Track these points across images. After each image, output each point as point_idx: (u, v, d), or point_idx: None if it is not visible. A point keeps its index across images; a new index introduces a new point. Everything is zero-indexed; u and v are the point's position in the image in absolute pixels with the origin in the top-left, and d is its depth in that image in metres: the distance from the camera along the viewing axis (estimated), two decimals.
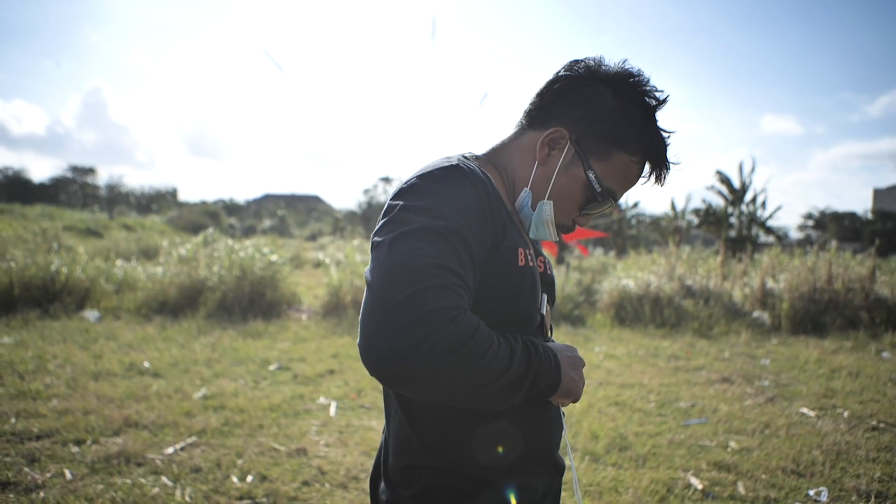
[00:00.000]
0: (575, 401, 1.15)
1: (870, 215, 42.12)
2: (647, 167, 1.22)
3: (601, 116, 1.17)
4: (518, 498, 1.14)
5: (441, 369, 0.90)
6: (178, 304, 9.20)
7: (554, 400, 1.14)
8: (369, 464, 3.85)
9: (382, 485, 1.21)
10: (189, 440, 4.11)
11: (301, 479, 3.60)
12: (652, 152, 1.20)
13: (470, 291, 0.99)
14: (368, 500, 3.32)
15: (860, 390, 5.98)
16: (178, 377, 5.68)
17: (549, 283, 1.27)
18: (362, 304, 0.95)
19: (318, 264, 16.78)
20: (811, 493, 3.58)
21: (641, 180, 1.24)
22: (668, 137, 1.21)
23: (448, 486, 1.11)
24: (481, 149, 1.29)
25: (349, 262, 11.21)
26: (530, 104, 1.25)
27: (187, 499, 3.27)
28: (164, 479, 3.51)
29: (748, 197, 26.86)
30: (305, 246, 24.45)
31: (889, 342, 8.59)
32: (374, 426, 4.57)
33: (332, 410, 4.93)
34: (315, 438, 4.28)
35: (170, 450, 3.92)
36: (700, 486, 3.62)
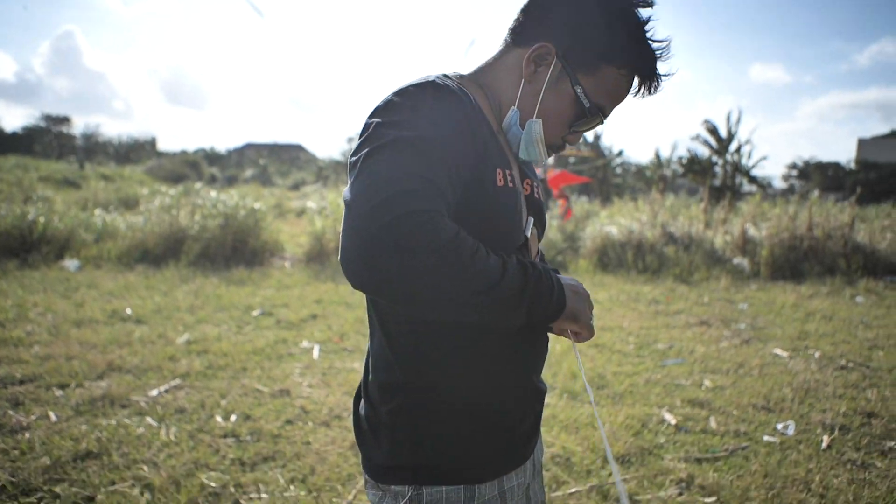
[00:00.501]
0: (588, 332, 1.15)
1: (853, 165, 42.26)
2: (636, 80, 1.18)
3: (587, 30, 1.14)
4: (495, 419, 1.15)
5: (419, 273, 0.88)
6: (160, 252, 9.16)
7: (559, 326, 1.12)
8: (350, 403, 3.91)
9: (362, 401, 1.23)
10: (173, 383, 4.15)
11: (284, 418, 3.66)
12: (641, 64, 1.15)
13: (447, 201, 0.96)
14: (350, 436, 3.41)
15: (832, 332, 6.13)
16: (161, 323, 5.70)
17: (535, 207, 1.25)
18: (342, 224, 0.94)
19: (301, 213, 16.70)
20: (779, 426, 3.70)
21: (632, 94, 1.19)
22: (660, 48, 1.16)
23: (423, 404, 1.12)
24: (467, 69, 1.25)
25: (332, 209, 11.17)
26: (514, 20, 1.20)
27: (172, 437, 3.33)
28: (148, 419, 3.56)
29: (733, 146, 26.92)
30: (289, 195, 24.22)
31: (864, 287, 8.77)
32: (357, 368, 4.63)
33: (315, 353, 4.98)
34: (298, 380, 4.34)
35: (154, 392, 3.97)
36: (674, 421, 3.73)
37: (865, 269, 9.79)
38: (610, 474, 3.04)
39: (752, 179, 27.80)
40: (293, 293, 7.32)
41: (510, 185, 1.11)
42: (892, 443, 3.48)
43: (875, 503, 2.80)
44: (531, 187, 1.24)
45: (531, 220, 1.20)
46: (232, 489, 2.81)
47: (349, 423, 3.63)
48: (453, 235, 0.91)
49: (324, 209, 11.83)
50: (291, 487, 2.85)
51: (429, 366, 1.12)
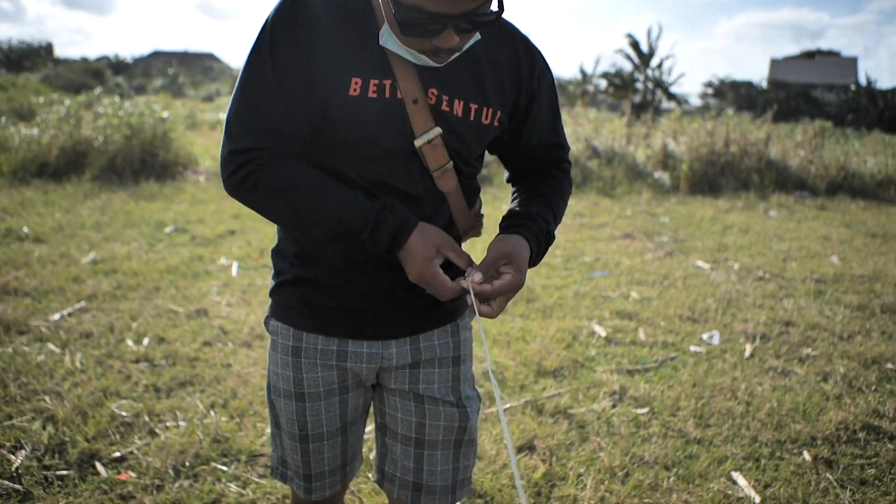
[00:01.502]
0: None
1: (765, 84, 43.49)
2: None
3: None
4: (336, 281, 1.23)
5: (256, 207, 1.14)
6: (61, 166, 8.45)
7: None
8: None
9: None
10: (78, 305, 3.84)
11: (202, 339, 3.44)
12: None
13: (286, 130, 1.10)
14: None
15: (749, 245, 6.31)
16: (64, 242, 5.27)
17: (444, 119, 1.16)
18: None
19: (215, 125, 15.82)
20: (704, 336, 3.77)
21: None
22: None
23: (285, 250, 1.29)
24: None
25: None
26: None
27: (78, 364, 3.07)
28: (50, 346, 3.27)
29: (654, 62, 27.13)
30: (202, 107, 22.84)
31: (776, 202, 9.10)
32: None
33: (234, 271, 4.73)
34: (216, 299, 4.10)
35: (56, 316, 3.65)
36: (604, 334, 3.73)
37: (777, 185, 10.14)
38: (544, 389, 3.01)
39: (671, 96, 28.24)
40: (209, 208, 6.93)
41: (372, 94, 1.12)
42: (809, 349, 3.60)
43: (796, 408, 2.89)
44: (436, 97, 1.16)
45: (435, 130, 1.16)
46: (146, 418, 2.61)
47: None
48: (280, 183, 1.09)
49: None
50: (212, 413, 2.66)
51: (289, 239, 1.29)
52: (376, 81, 1.11)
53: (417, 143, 1.15)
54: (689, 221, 7.45)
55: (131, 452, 2.37)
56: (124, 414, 2.62)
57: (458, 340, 1.36)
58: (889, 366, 3.39)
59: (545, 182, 1.36)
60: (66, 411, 2.57)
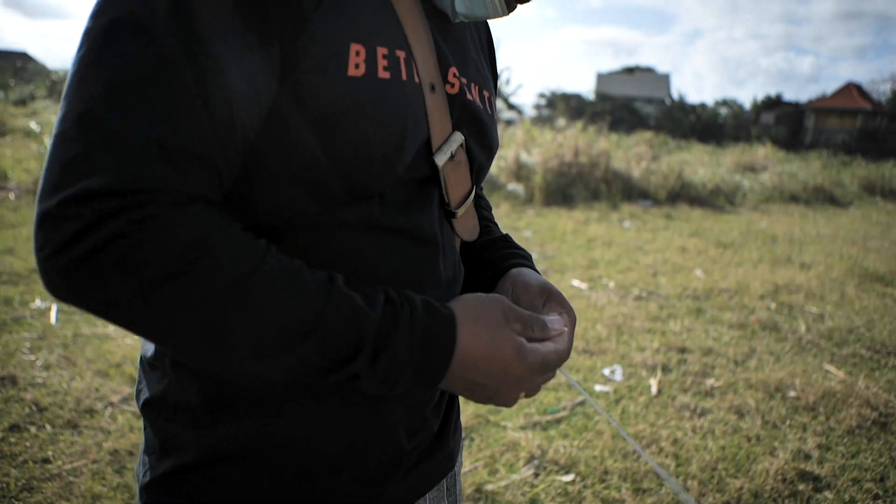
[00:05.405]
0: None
1: (593, 97, 46.31)
2: None
3: None
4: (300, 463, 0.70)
5: (107, 301, 0.51)
6: None
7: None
8: (107, 388, 2.97)
9: None
10: None
11: (8, 422, 2.62)
12: None
13: (202, 159, 0.53)
14: (108, 443, 2.52)
15: (616, 259, 6.29)
16: None
17: (474, 116, 0.75)
18: None
19: (29, 133, 13.86)
20: (606, 371, 3.51)
21: None
22: None
23: (183, 437, 0.74)
24: None
25: None
26: None
27: None
28: None
29: None
30: (13, 112, 19.98)
31: (627, 213, 9.37)
32: (112, 334, 3.62)
33: (53, 317, 3.84)
34: (29, 358, 3.24)
35: None
36: None
37: (623, 194, 10.51)
38: None
39: (512, 107, 29.12)
40: (20, 233, 5.77)
41: (383, 74, 0.62)
42: (712, 380, 3.44)
43: (725, 457, 2.64)
44: (460, 83, 0.72)
45: (457, 137, 0.71)
46: None
47: (104, 419, 2.71)
48: (186, 255, 0.51)
49: None
50: None
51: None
52: (385, 51, 0.63)
53: (439, 160, 0.70)
54: (553, 235, 7.38)
55: None
56: None
57: (454, 498, 0.89)
58: (791, 394, 3.30)
59: (479, 203, 0.97)
60: None
